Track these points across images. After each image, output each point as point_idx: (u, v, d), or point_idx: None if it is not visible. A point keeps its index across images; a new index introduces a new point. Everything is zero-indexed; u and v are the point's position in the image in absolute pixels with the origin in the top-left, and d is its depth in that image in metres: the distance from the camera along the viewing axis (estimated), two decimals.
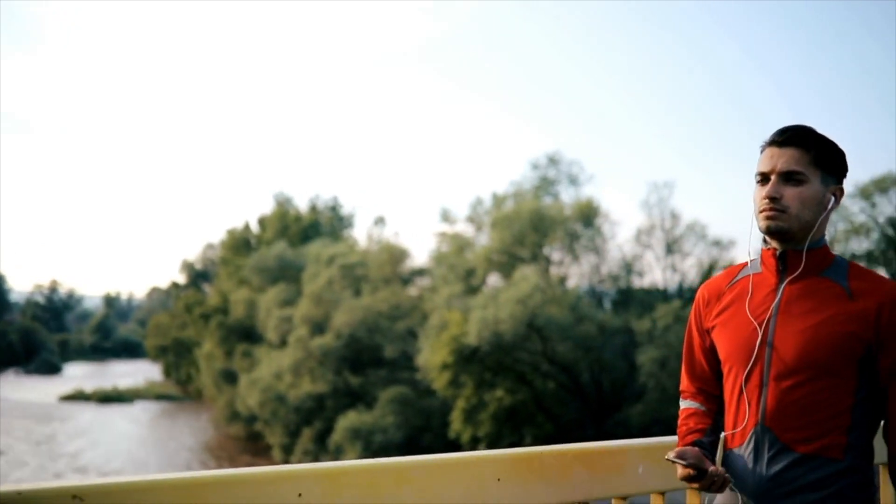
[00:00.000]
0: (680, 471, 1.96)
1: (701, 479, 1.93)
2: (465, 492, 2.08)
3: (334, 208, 52.70)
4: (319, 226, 51.37)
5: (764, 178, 2.00)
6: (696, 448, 2.02)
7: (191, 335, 55.45)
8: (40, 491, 1.60)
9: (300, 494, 1.83)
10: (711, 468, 1.93)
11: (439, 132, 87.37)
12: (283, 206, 52.04)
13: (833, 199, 2.00)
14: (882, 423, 2.00)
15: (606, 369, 28.78)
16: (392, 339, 35.18)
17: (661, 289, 30.21)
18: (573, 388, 29.22)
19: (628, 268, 30.47)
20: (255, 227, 55.10)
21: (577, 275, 31.04)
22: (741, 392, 2.01)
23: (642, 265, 30.43)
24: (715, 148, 73.32)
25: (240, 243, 51.82)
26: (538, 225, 29.55)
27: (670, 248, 29.79)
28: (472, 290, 31.26)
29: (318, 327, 37.10)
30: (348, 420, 31.88)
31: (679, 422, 2.20)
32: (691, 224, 29.80)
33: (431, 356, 27.83)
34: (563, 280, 30.88)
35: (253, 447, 41.29)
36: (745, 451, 2.00)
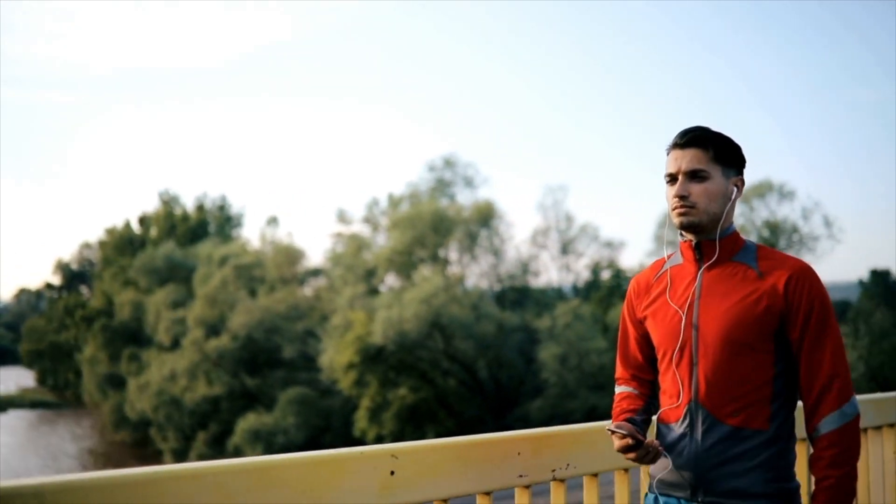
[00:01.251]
0: (617, 442, 2.13)
1: (637, 448, 2.10)
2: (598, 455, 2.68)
3: (222, 207, 51.76)
4: (207, 225, 50.44)
5: (672, 179, 2.18)
6: (630, 424, 2.20)
7: (69, 339, 53.32)
8: (363, 452, 2.11)
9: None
10: (647, 440, 2.11)
11: (333, 132, 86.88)
12: (170, 204, 50.73)
13: (735, 189, 2.19)
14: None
15: (505, 366, 29.75)
16: (290, 340, 35.09)
17: (556, 287, 31.55)
18: (473, 385, 30.06)
19: (525, 267, 31.59)
20: (135, 226, 53.51)
21: (475, 274, 31.95)
22: (675, 372, 2.17)
23: (538, 265, 31.69)
24: (607, 153, 76.41)
25: (124, 243, 50.19)
26: (438, 226, 30.21)
27: (565, 248, 31.13)
28: (373, 291, 31.63)
29: (213, 329, 36.57)
30: (248, 422, 31.66)
31: (614, 404, 2.38)
32: (584, 226, 31.30)
33: (337, 356, 28.03)
34: (461, 280, 31.68)
35: (141, 453, 40.22)
36: (680, 426, 2.16)
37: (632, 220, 74.39)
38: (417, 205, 31.56)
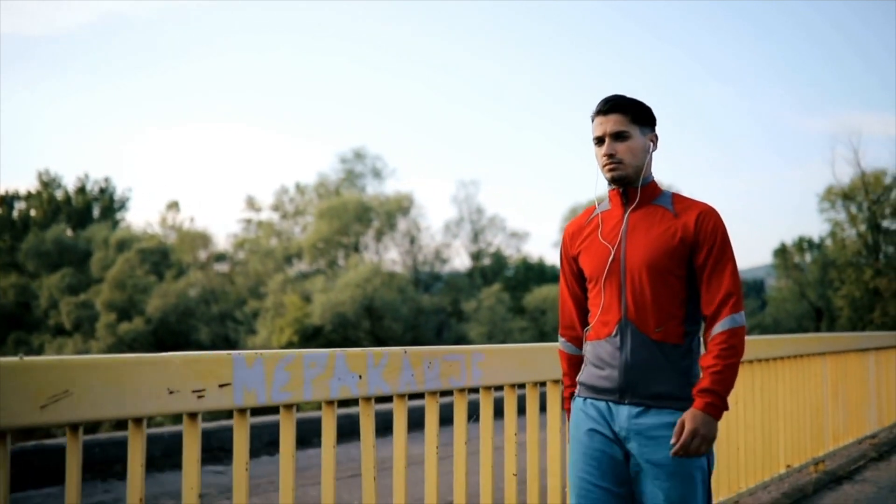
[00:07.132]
0: None
1: None
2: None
3: (105, 190, 51.07)
4: (91, 208, 49.74)
5: (599, 141, 2.47)
6: None
7: None
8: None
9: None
10: None
11: (235, 119, 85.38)
12: (50, 186, 49.52)
13: (651, 144, 2.50)
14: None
15: (421, 344, 32.38)
16: (206, 322, 36.08)
17: (467, 273, 34.52)
18: None
19: (438, 254, 34.37)
20: None
21: (392, 261, 34.38)
22: (606, 296, 2.47)
23: (451, 252, 34.58)
24: (514, 151, 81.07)
25: (2, 225, 48.54)
26: (362, 216, 32.38)
27: (476, 237, 34.19)
28: (297, 276, 33.38)
29: (123, 313, 36.91)
30: None
31: (563, 360, 2.72)
32: (493, 218, 34.51)
33: (275, 336, 29.66)
34: (380, 265, 33.98)
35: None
36: (612, 341, 2.46)
37: (535, 215, 79.47)
38: (341, 195, 33.54)
